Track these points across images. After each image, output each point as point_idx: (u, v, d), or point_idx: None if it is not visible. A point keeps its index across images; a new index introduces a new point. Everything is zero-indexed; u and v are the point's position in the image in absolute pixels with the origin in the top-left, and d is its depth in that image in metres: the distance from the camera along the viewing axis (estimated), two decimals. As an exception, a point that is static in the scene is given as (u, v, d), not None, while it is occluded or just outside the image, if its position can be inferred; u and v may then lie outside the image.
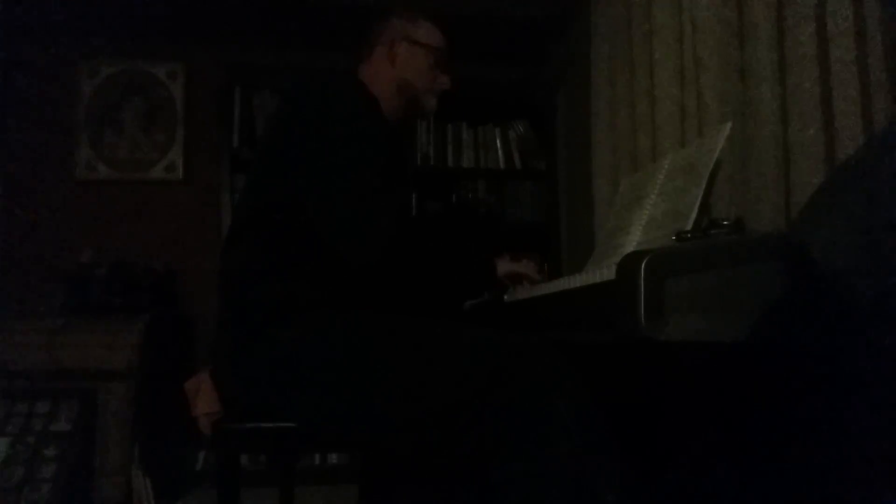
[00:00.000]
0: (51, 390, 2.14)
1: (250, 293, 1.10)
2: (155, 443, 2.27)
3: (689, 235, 0.95)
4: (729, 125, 1.14)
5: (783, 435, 0.85)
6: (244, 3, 2.64)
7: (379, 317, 1.05)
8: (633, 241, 1.24)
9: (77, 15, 2.71)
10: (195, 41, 2.93)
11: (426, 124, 2.94)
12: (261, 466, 2.58)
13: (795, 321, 0.66)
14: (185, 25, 2.82)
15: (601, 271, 0.81)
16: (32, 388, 2.14)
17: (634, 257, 0.70)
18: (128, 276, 2.47)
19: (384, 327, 1.03)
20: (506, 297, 1.31)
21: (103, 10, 2.67)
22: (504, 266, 1.31)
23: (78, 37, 2.84)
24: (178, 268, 2.76)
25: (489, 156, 3.02)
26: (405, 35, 1.35)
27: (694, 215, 1.07)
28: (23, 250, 2.74)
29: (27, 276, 2.71)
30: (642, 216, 1.26)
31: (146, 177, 2.89)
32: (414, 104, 1.37)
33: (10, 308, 2.61)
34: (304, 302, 1.08)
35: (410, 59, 1.34)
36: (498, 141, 3.02)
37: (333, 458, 2.65)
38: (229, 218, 2.66)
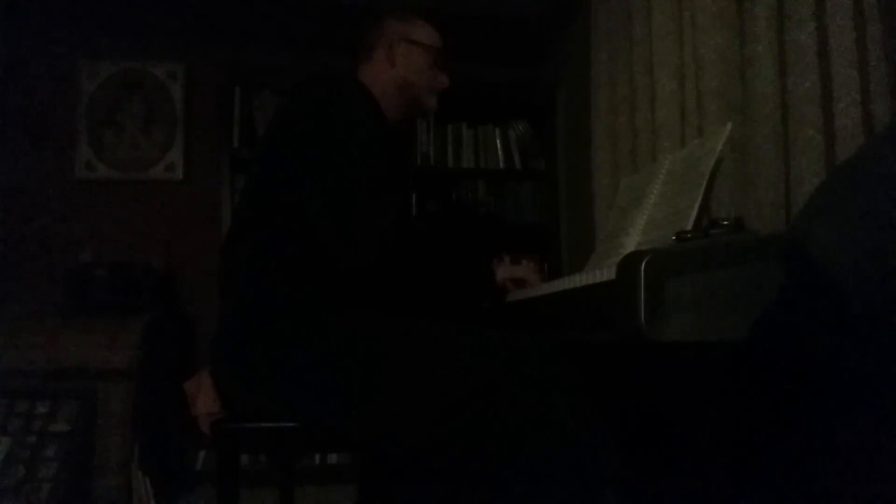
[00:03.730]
0: (51, 390, 2.14)
1: (251, 293, 1.10)
2: (155, 443, 2.27)
3: (689, 235, 0.95)
4: (729, 125, 1.14)
5: (783, 435, 0.85)
6: (244, 3, 2.64)
7: (379, 317, 1.05)
8: (633, 241, 1.24)
9: (77, 15, 2.71)
10: (195, 41, 2.93)
11: (426, 124, 2.94)
12: (261, 466, 2.58)
13: (795, 321, 0.66)
14: (185, 25, 2.82)
15: (601, 271, 0.81)
16: (32, 388, 2.14)
17: (634, 257, 0.70)
18: (128, 276, 2.47)
19: (384, 327, 1.03)
20: (510, 296, 1.31)
21: (103, 10, 2.67)
22: (504, 270, 1.31)
23: (78, 37, 2.84)
24: (178, 268, 2.76)
25: (489, 156, 3.02)
26: (403, 35, 1.35)
27: (694, 215, 1.07)
28: (23, 250, 2.74)
29: (27, 276, 2.71)
30: (642, 216, 1.26)
31: (146, 177, 2.89)
32: (415, 104, 1.38)
33: (10, 308, 2.61)
34: (304, 302, 1.08)
35: (410, 59, 1.35)
36: (498, 141, 3.02)
37: (333, 458, 2.65)
38: (229, 218, 2.66)
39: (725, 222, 0.92)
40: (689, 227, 1.06)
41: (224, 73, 2.79)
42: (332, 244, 1.08)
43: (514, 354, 0.93)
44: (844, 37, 1.15)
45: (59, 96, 2.84)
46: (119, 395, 2.16)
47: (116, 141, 2.88)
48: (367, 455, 1.54)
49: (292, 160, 1.12)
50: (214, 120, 2.85)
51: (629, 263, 0.70)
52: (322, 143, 1.10)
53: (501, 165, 3.02)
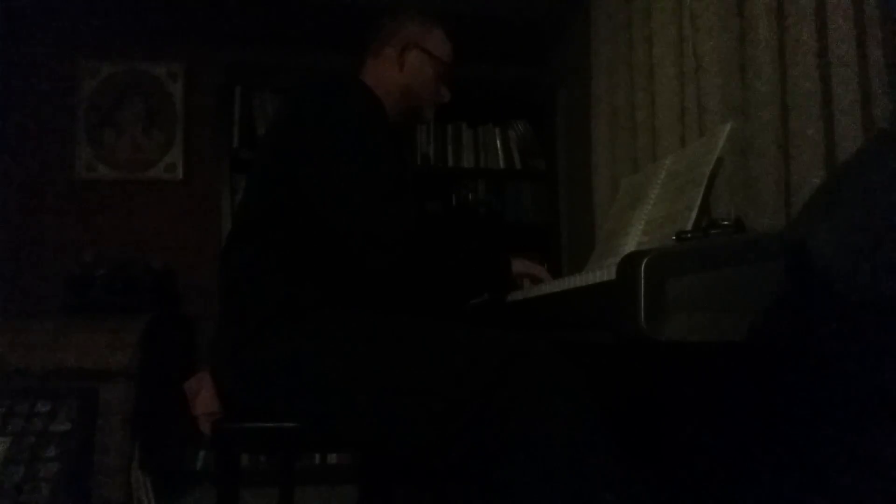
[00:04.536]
0: (51, 390, 2.14)
1: (251, 293, 1.10)
2: (155, 443, 2.27)
3: (689, 235, 0.95)
4: (729, 125, 1.14)
5: (783, 435, 0.85)
6: (244, 3, 2.64)
7: (379, 317, 1.05)
8: (633, 241, 1.24)
9: (77, 15, 2.71)
10: (195, 41, 2.93)
11: (426, 124, 2.94)
12: (261, 466, 2.58)
13: (795, 321, 0.66)
14: (185, 25, 2.82)
15: (601, 271, 0.81)
16: (32, 388, 2.14)
17: (634, 257, 0.70)
18: (128, 276, 2.47)
19: (384, 327, 1.03)
20: (509, 296, 1.31)
21: (103, 10, 2.67)
22: (520, 265, 1.30)
23: (78, 37, 2.84)
24: (178, 268, 2.76)
25: (489, 156, 3.02)
26: (418, 42, 1.34)
27: (694, 215, 1.08)
28: (23, 250, 2.74)
29: (27, 276, 2.71)
30: (642, 216, 1.26)
31: (146, 177, 2.89)
32: (414, 112, 1.37)
33: (10, 308, 2.61)
34: (304, 302, 1.08)
35: (420, 69, 1.34)
36: (498, 141, 3.02)
37: (333, 458, 2.65)
38: (229, 218, 2.66)
39: (725, 222, 0.92)
40: (689, 227, 1.06)
41: (224, 73, 2.79)
42: (354, 245, 1.07)
43: (514, 354, 0.93)
44: (844, 37, 1.15)
45: (59, 96, 2.84)
46: (119, 395, 2.16)
47: (116, 141, 2.88)
48: (367, 455, 1.54)
49: (299, 161, 1.12)
50: (214, 120, 2.85)
51: (629, 263, 0.70)
52: (333, 145, 1.10)
53: (501, 165, 3.02)
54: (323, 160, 1.10)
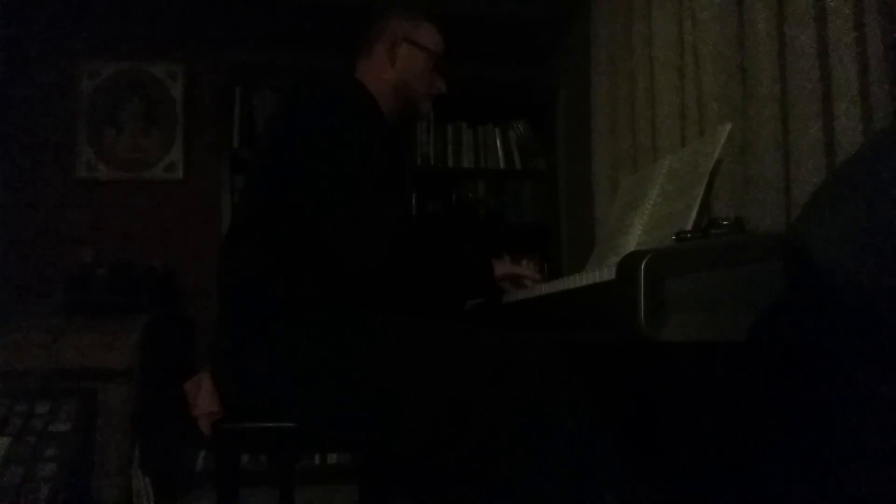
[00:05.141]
0: (51, 390, 2.14)
1: (250, 293, 1.10)
2: (155, 443, 2.27)
3: (689, 235, 0.95)
4: (729, 125, 1.14)
5: (783, 435, 0.85)
6: (244, 4, 2.64)
7: (379, 317, 1.05)
8: (633, 241, 1.24)
9: (77, 15, 2.71)
10: (195, 41, 2.93)
11: (426, 124, 2.94)
12: (261, 466, 2.58)
13: (795, 321, 0.66)
14: (185, 25, 2.82)
15: (601, 271, 0.81)
16: (32, 388, 2.14)
17: (634, 257, 0.70)
18: (128, 276, 2.47)
19: (384, 327, 1.03)
20: (504, 298, 1.31)
21: (103, 10, 2.67)
22: (502, 268, 1.30)
23: (78, 37, 2.84)
24: (178, 268, 2.76)
25: (489, 156, 3.02)
26: (407, 36, 1.34)
27: (694, 215, 1.07)
28: (23, 250, 2.74)
29: (27, 276, 2.71)
30: (642, 216, 1.26)
31: (146, 177, 2.89)
32: (409, 106, 1.37)
33: (10, 308, 2.61)
34: (303, 302, 1.08)
35: (411, 62, 1.34)
36: (498, 141, 3.02)
37: (333, 458, 2.65)
38: (229, 218, 2.66)
39: (725, 222, 0.92)
40: (689, 227, 1.06)
41: (224, 73, 2.79)
42: (339, 244, 1.08)
43: (514, 354, 0.93)
44: (844, 37, 1.15)
45: (59, 96, 2.84)
46: (119, 395, 2.16)
47: (116, 141, 2.88)
48: (367, 455, 1.54)
49: (292, 161, 1.12)
50: (214, 120, 2.85)
51: (629, 263, 0.70)
52: (323, 144, 1.10)
53: (501, 165, 3.02)
54: (312, 159, 1.10)
